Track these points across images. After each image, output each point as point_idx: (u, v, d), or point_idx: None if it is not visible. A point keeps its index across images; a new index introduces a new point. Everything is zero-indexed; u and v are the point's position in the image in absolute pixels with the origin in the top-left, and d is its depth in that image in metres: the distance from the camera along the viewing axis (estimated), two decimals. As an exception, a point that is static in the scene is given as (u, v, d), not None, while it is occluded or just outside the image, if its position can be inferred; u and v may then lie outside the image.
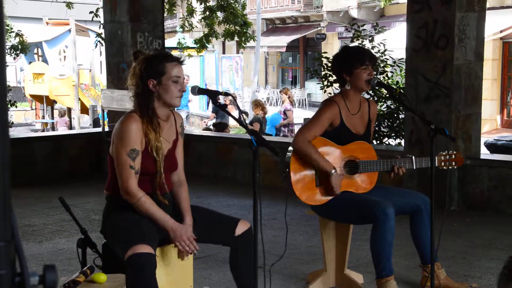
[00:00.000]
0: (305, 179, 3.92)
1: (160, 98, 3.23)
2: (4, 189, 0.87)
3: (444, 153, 3.96)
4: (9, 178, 0.89)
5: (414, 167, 3.95)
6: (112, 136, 3.29)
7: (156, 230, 3.17)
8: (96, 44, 12.39)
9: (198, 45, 14.38)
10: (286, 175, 3.90)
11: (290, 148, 3.94)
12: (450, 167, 3.99)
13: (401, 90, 7.26)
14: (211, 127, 15.34)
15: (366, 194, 3.92)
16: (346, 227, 4.17)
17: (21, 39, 16.30)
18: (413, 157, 3.95)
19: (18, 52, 16.31)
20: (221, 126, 12.46)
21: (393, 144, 8.28)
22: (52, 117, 20.61)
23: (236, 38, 14.19)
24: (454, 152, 4.02)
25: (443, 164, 3.95)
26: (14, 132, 14.16)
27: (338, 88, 4.16)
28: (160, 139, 3.25)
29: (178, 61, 3.29)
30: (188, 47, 16.00)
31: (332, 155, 3.94)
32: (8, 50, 16.07)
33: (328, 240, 4.19)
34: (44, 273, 0.91)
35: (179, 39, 16.23)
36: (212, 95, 3.40)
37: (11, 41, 17.40)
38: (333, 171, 3.85)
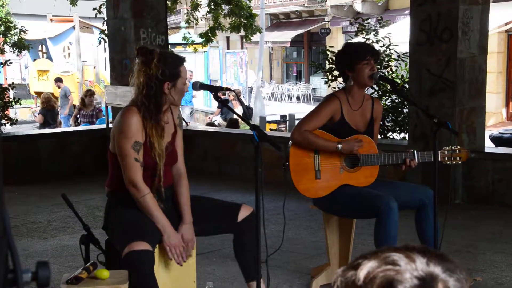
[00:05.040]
0: (305, 172, 3.92)
1: (169, 100, 3.24)
2: (-4, 186, 0.86)
3: (448, 148, 3.93)
4: (2, 175, 0.89)
5: (417, 161, 3.93)
6: (112, 131, 3.27)
7: (156, 227, 3.17)
8: (100, 41, 12.38)
9: (203, 39, 14.36)
10: (285, 168, 3.91)
11: (290, 141, 3.94)
12: (454, 162, 3.96)
13: (405, 84, 7.24)
14: (216, 123, 15.35)
15: (368, 188, 3.91)
16: (350, 221, 4.16)
17: (19, 36, 16.32)
18: (415, 151, 3.93)
19: (20, 50, 16.32)
20: (233, 122, 12.45)
21: (398, 138, 8.26)
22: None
23: (242, 31, 14.16)
24: (459, 147, 4.00)
25: (446, 159, 3.93)
26: (19, 129, 14.17)
27: (343, 82, 4.14)
28: (163, 143, 3.25)
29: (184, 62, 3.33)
30: (193, 42, 15.99)
31: None
32: (11, 48, 16.06)
33: (331, 234, 4.19)
34: (37, 270, 0.90)
35: (184, 34, 16.21)
36: (214, 90, 3.41)
37: (15, 38, 17.40)
38: (339, 145, 3.84)
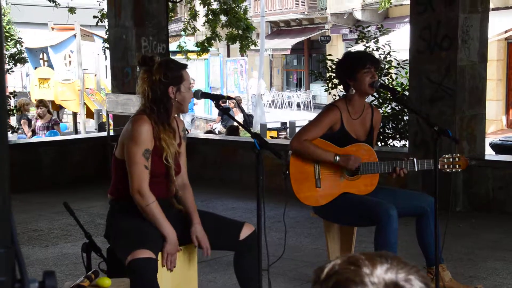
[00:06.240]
0: (306, 180, 3.93)
1: (175, 105, 3.26)
2: (4, 195, 0.88)
3: (447, 156, 3.95)
4: (9, 184, 0.90)
5: (416, 169, 3.94)
6: (121, 137, 3.28)
7: (159, 235, 3.18)
8: (104, 50, 12.39)
9: (199, 48, 14.40)
10: (286, 177, 3.92)
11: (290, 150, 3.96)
12: (453, 170, 3.98)
13: (405, 92, 7.26)
14: (217, 130, 15.36)
15: (368, 196, 3.93)
16: (351, 229, 4.17)
17: (18, 47, 16.22)
18: (415, 159, 3.94)
19: (16, 63, 16.21)
20: (233, 129, 12.49)
21: (398, 145, 8.27)
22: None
23: (238, 43, 14.20)
24: (458, 155, 4.01)
25: (446, 167, 3.94)
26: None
27: (343, 90, 4.16)
28: (175, 147, 3.29)
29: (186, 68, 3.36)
30: (188, 51, 15.99)
31: None
32: (8, 59, 15.97)
33: (332, 242, 4.19)
34: (44, 280, 0.91)
35: (179, 42, 16.22)
36: (215, 99, 3.43)
37: (14, 49, 17.33)
38: (337, 158, 3.85)
